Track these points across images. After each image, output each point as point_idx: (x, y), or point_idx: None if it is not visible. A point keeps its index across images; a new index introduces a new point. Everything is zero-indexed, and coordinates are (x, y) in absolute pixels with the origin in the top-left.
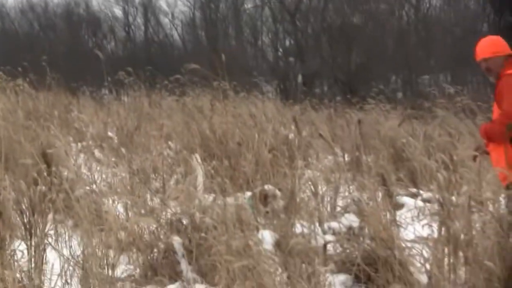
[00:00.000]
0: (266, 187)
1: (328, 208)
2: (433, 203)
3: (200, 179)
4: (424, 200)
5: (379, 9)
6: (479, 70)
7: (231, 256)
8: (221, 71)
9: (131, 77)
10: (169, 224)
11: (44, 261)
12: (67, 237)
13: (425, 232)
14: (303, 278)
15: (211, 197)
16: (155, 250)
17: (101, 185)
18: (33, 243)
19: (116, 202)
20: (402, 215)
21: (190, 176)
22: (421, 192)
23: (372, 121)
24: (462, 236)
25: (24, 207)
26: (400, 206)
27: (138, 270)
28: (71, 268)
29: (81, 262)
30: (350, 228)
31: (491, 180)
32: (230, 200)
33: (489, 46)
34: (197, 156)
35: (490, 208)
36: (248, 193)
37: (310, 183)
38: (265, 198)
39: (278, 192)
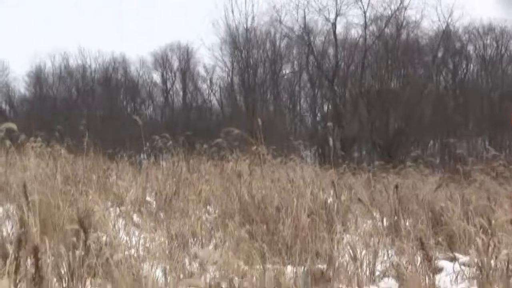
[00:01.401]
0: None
1: (367, 272)
2: (472, 267)
3: None
4: (463, 264)
5: (416, 74)
6: None
7: None
8: (260, 135)
9: (169, 142)
10: None
11: None
12: None
13: None
14: None
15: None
16: None
17: (139, 250)
18: None
19: (155, 267)
20: (441, 279)
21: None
22: (459, 256)
23: (410, 186)
24: None
25: (63, 272)
26: (439, 270)
27: None
28: None
29: None
30: None
31: None
32: (289, 269)
33: None
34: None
35: None
36: (303, 269)
37: (349, 247)
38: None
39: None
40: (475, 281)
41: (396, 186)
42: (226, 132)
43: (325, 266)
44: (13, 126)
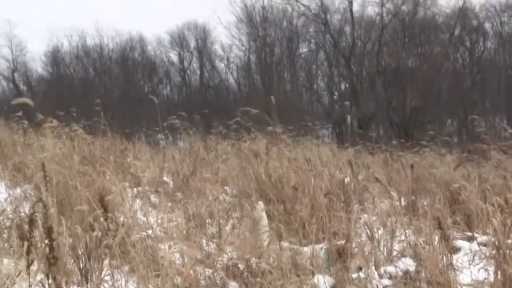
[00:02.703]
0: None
1: (385, 252)
2: (489, 247)
3: (265, 223)
4: (480, 244)
5: (433, 52)
6: None
7: None
8: (276, 115)
9: (186, 122)
10: (225, 269)
11: None
12: (123, 283)
13: (481, 275)
14: None
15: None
16: None
17: (157, 230)
18: None
19: (172, 248)
20: (459, 259)
21: (246, 220)
22: (477, 235)
23: (427, 165)
24: None
25: (80, 252)
26: (456, 249)
27: None
28: None
29: None
30: (406, 272)
31: None
32: (307, 249)
33: None
34: (261, 203)
35: None
36: (323, 246)
37: (366, 227)
38: (339, 254)
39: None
40: (492, 261)
41: (412, 166)
42: (243, 112)
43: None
44: (29, 101)
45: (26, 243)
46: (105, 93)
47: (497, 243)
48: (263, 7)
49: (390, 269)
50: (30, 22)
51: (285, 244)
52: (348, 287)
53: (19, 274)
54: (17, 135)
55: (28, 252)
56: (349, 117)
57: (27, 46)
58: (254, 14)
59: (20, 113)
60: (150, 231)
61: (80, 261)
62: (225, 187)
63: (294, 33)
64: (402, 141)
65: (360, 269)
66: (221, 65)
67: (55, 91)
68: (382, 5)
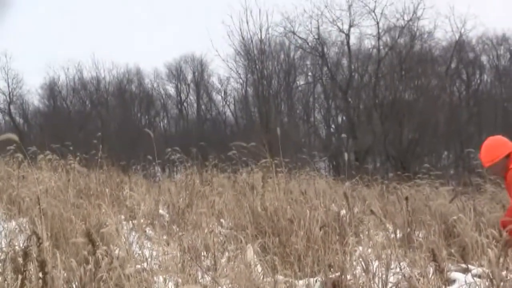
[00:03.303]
0: (337, 274)
1: (380, 285)
2: (484, 278)
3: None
4: (475, 276)
5: (430, 85)
6: None
7: None
8: (273, 147)
9: (182, 155)
10: None
11: None
12: None
13: None
14: None
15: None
16: None
17: (152, 263)
18: None
19: (167, 281)
20: None
21: (241, 253)
22: (472, 267)
23: (423, 197)
24: None
25: (74, 286)
26: (451, 281)
27: None
28: None
29: None
30: None
31: None
32: (302, 282)
33: (486, 155)
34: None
35: None
36: (317, 278)
37: (361, 259)
38: (334, 286)
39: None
40: None
41: (407, 198)
42: (238, 145)
43: (338, 274)
44: (14, 137)
45: (20, 277)
46: (102, 126)
47: (491, 275)
48: (261, 40)
49: None
50: (27, 54)
51: (280, 277)
52: None
53: None
54: (11, 168)
55: (22, 286)
56: (346, 154)
57: (23, 78)
58: (251, 47)
59: (12, 147)
60: (145, 264)
61: None
62: (221, 220)
63: (291, 66)
64: (398, 173)
65: None
66: (218, 98)
67: (51, 123)
68: (379, 38)
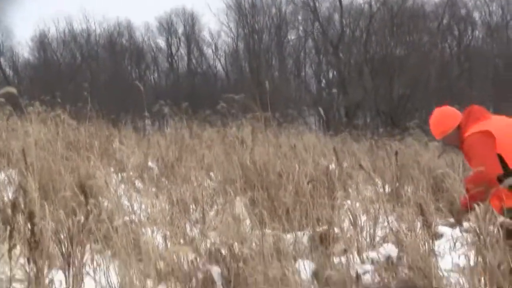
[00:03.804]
0: (325, 227)
1: (367, 238)
2: (471, 233)
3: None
4: (463, 230)
5: (421, 41)
6: None
7: (268, 286)
8: (264, 102)
9: (172, 108)
10: (208, 254)
11: None
12: (105, 267)
13: (462, 262)
14: None
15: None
16: (194, 280)
17: (140, 216)
18: (71, 273)
19: (155, 233)
20: (441, 245)
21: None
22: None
23: (412, 153)
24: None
25: (62, 237)
26: (439, 236)
27: None
28: None
29: None
30: (388, 258)
31: None
32: (290, 236)
33: (436, 127)
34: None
35: None
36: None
37: (349, 213)
38: (322, 240)
39: (338, 232)
40: (473, 247)
41: (396, 153)
42: (229, 98)
43: (326, 227)
44: (12, 90)
45: (8, 228)
46: (92, 79)
47: (477, 229)
48: None
49: (372, 254)
50: (17, 7)
51: (268, 231)
52: (330, 272)
53: (1, 258)
54: (0, 120)
55: (11, 237)
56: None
57: (13, 30)
58: (243, 1)
59: (3, 99)
60: (133, 216)
61: (62, 246)
62: (210, 173)
63: (283, 20)
64: (388, 128)
65: (345, 251)
66: (209, 52)
67: (41, 76)
68: None
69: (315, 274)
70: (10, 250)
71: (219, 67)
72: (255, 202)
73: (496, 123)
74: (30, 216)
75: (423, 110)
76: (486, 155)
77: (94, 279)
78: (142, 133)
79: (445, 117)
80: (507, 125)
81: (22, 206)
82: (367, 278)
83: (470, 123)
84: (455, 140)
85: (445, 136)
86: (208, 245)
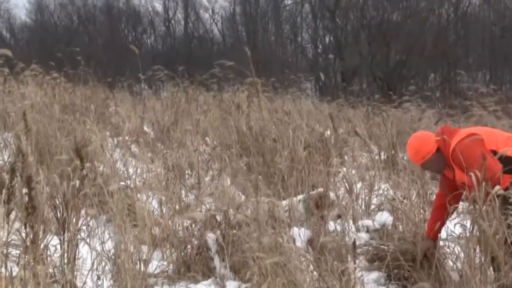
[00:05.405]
0: (321, 190)
1: (363, 206)
2: (466, 202)
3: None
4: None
5: (418, 7)
6: None
7: (262, 253)
8: (260, 66)
9: (169, 72)
10: (203, 220)
11: (76, 256)
12: (100, 232)
13: (457, 230)
14: (334, 276)
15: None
16: (189, 246)
17: (136, 181)
18: (66, 238)
19: (151, 198)
20: None
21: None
22: None
23: (408, 119)
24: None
25: (57, 202)
26: None
27: (171, 266)
28: (103, 263)
29: (114, 257)
30: (383, 225)
31: None
32: (285, 202)
33: (416, 154)
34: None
35: None
36: (301, 196)
37: (344, 180)
38: (317, 205)
39: (333, 196)
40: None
41: (392, 120)
42: (222, 64)
43: (321, 189)
44: (8, 52)
45: (5, 192)
46: (89, 42)
47: (473, 198)
48: None
49: (368, 222)
50: None
51: (263, 197)
52: (325, 239)
53: None
54: None
55: (8, 201)
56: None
57: None
58: None
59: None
60: (129, 181)
61: (58, 211)
62: (206, 138)
63: None
64: (384, 95)
65: (339, 217)
66: (206, 16)
67: (38, 38)
68: None
69: (311, 242)
70: (7, 215)
71: (215, 31)
72: (250, 168)
73: (472, 129)
74: (28, 181)
75: (419, 76)
76: (484, 151)
77: (89, 245)
78: (138, 96)
79: (423, 142)
80: (481, 128)
81: (19, 170)
82: (362, 246)
83: (449, 139)
84: (438, 163)
85: (426, 160)
86: (204, 212)
